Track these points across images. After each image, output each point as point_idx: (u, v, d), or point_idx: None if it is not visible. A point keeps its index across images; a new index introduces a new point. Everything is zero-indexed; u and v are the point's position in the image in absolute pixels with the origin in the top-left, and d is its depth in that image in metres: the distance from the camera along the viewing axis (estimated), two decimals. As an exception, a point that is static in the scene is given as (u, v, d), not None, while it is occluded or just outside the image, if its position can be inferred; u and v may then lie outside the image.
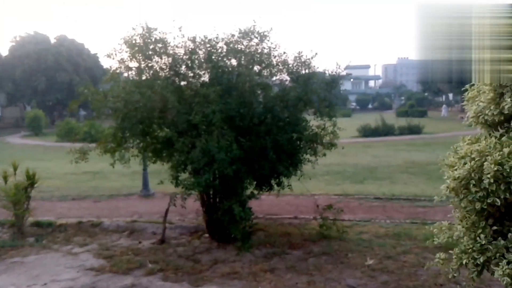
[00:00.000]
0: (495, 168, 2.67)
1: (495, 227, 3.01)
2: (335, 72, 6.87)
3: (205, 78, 6.68)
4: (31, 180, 8.01)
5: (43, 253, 6.41)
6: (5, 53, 50.89)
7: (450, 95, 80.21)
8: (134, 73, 6.55)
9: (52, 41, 52.48)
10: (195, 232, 7.78)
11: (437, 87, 70.91)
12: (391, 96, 78.90)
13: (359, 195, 10.48)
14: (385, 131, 28.57)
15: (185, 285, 5.07)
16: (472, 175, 2.85)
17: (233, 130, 5.82)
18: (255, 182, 6.66)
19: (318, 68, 6.92)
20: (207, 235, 7.37)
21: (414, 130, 30.12)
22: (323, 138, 7.00)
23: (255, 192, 6.34)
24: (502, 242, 2.90)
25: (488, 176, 2.71)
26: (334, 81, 6.81)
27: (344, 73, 6.95)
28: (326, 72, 6.92)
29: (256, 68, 6.57)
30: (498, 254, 2.87)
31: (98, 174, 15.73)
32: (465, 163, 2.97)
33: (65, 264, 5.90)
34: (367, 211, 8.91)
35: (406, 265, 5.63)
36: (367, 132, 28.05)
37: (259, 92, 6.26)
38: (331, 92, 6.84)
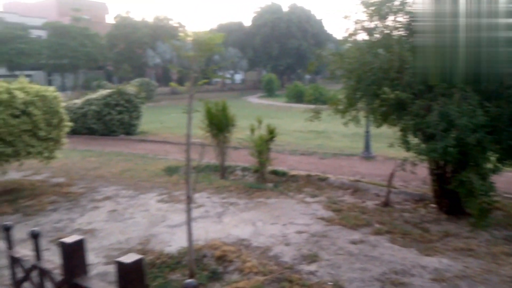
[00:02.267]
0: None
1: None
2: None
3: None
4: (272, 134, 9.25)
5: (281, 198, 7.41)
6: (248, 23, 58.51)
7: None
8: (367, 33, 6.53)
9: (285, 9, 57.14)
10: (419, 200, 7.50)
11: None
12: None
13: None
14: None
15: (413, 251, 4.98)
16: None
17: (477, 93, 5.17)
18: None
19: None
20: (433, 205, 7.00)
21: None
22: None
23: (499, 165, 5.54)
24: None
25: None
26: None
27: None
28: None
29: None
30: None
31: (322, 133, 16.82)
32: None
33: (299, 210, 6.67)
34: None
35: None
36: None
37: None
38: None
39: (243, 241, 5.36)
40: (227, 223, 6.11)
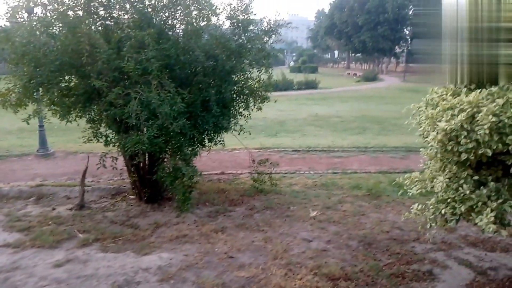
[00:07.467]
0: (492, 119, 2.70)
1: (476, 177, 3.12)
2: (271, 21, 6.51)
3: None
4: None
5: None
6: None
7: (336, 52, 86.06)
8: (39, 10, 5.32)
9: None
10: (116, 194, 7.13)
11: (326, 44, 75.35)
12: (284, 52, 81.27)
13: (277, 148, 10.63)
14: (285, 86, 29.45)
15: (130, 254, 4.49)
16: (465, 126, 2.87)
17: (172, 81, 5.16)
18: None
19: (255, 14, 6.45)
20: (132, 196, 6.78)
21: (310, 85, 32.10)
22: (258, 91, 6.74)
23: (197, 149, 5.84)
24: (484, 191, 3.02)
25: (484, 127, 2.73)
26: (271, 31, 6.46)
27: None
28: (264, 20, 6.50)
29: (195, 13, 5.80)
30: (480, 203, 2.98)
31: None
32: (453, 115, 2.96)
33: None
34: (289, 163, 9.05)
35: (348, 215, 5.82)
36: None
37: (201, 37, 5.57)
38: (268, 42, 6.50)
39: None
40: None
